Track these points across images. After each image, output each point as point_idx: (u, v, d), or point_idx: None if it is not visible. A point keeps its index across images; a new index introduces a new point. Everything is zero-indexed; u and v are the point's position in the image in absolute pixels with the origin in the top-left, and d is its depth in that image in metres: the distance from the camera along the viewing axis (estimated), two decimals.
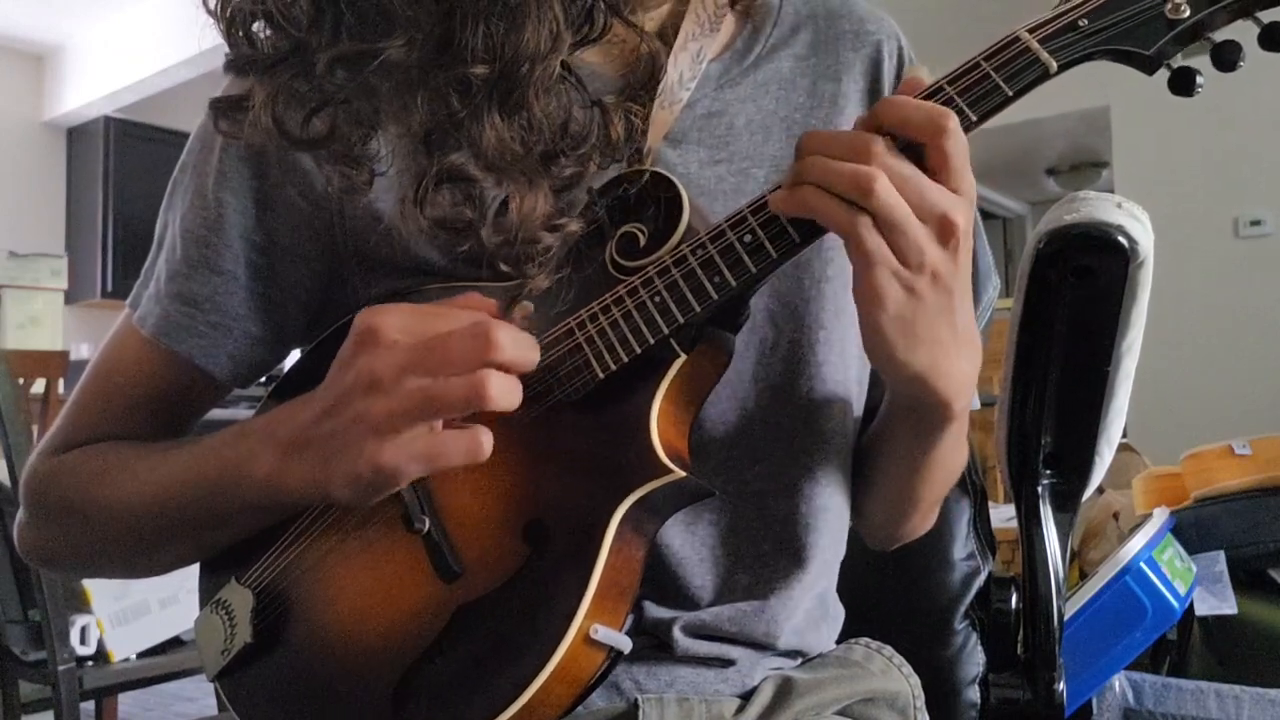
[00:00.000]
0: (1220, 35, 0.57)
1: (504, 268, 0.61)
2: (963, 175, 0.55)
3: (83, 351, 4.53)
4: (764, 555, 0.69)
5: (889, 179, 0.54)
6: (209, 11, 0.63)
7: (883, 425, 0.73)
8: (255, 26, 0.62)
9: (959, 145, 0.55)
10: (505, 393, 0.53)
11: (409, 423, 0.53)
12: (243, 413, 3.19)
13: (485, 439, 0.53)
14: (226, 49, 0.64)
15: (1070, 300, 0.94)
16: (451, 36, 0.59)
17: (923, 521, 0.77)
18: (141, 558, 0.72)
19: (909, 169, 0.54)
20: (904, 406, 0.67)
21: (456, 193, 0.60)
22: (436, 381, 0.52)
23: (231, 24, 0.62)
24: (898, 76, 0.77)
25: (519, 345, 0.54)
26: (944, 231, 0.55)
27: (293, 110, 0.61)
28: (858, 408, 0.75)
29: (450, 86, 0.59)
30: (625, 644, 0.58)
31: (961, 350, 0.59)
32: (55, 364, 2.40)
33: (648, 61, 0.68)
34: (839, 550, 0.76)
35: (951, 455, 0.70)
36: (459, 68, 0.58)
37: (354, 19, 0.60)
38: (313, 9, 0.61)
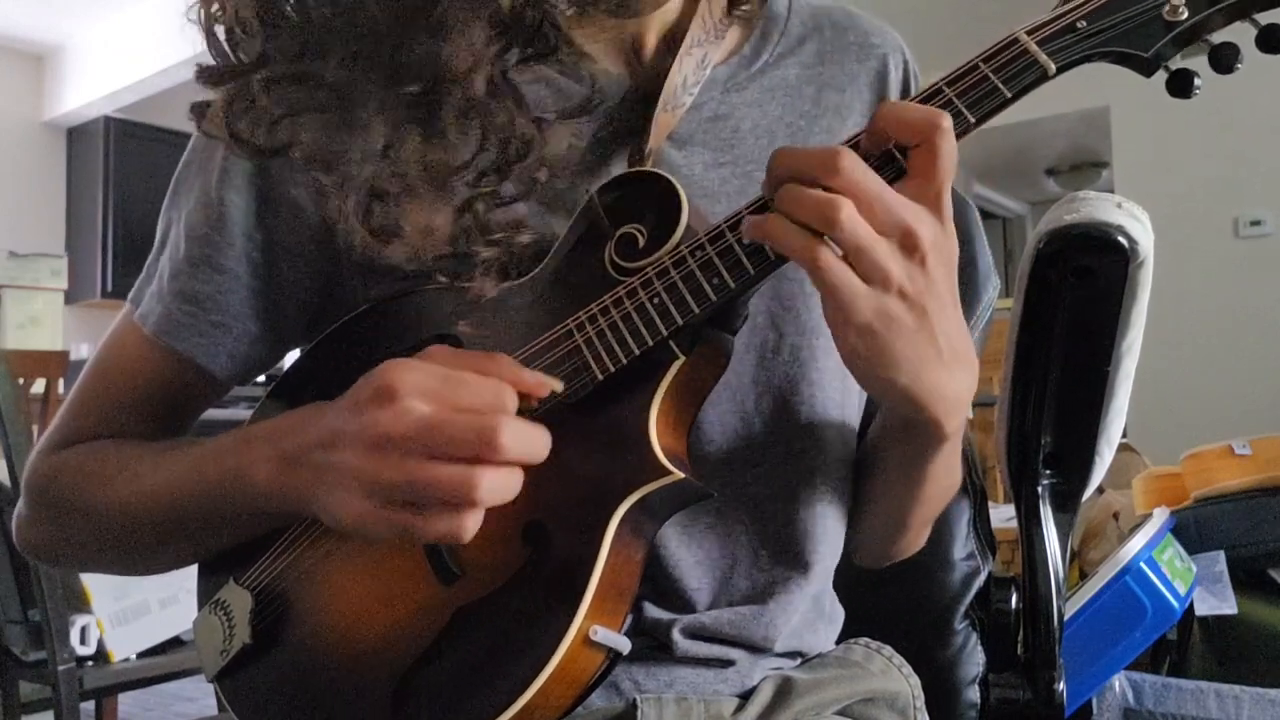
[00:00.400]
0: (1218, 37, 0.57)
1: (440, 278, 0.62)
2: (944, 179, 0.55)
3: (83, 351, 4.53)
4: (762, 560, 0.69)
5: (855, 202, 0.53)
6: (200, 20, 0.64)
7: (874, 444, 0.73)
8: (229, 35, 0.63)
9: (949, 146, 0.54)
10: (498, 490, 0.52)
11: (393, 494, 0.53)
12: (241, 413, 3.19)
13: (470, 524, 0.53)
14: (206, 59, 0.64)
15: (1070, 300, 0.94)
16: (395, 55, 0.58)
17: (915, 540, 0.77)
18: (139, 557, 0.72)
19: (875, 186, 0.54)
20: (895, 426, 0.67)
21: (381, 207, 0.60)
22: (431, 467, 0.52)
23: (211, 31, 0.63)
24: (904, 91, 0.77)
25: (523, 444, 0.53)
26: (908, 246, 0.54)
27: (250, 120, 0.62)
28: (858, 412, 0.75)
29: (391, 104, 0.59)
30: (624, 645, 0.58)
31: (949, 367, 0.58)
32: (55, 364, 2.39)
33: (630, 90, 0.69)
34: (836, 555, 0.76)
35: (945, 474, 0.69)
36: (398, 85, 0.58)
37: (293, 40, 0.61)
38: (264, 26, 0.61)
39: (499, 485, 0.52)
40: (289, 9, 0.60)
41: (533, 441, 0.54)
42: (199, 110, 0.65)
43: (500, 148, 0.60)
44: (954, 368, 0.58)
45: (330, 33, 0.59)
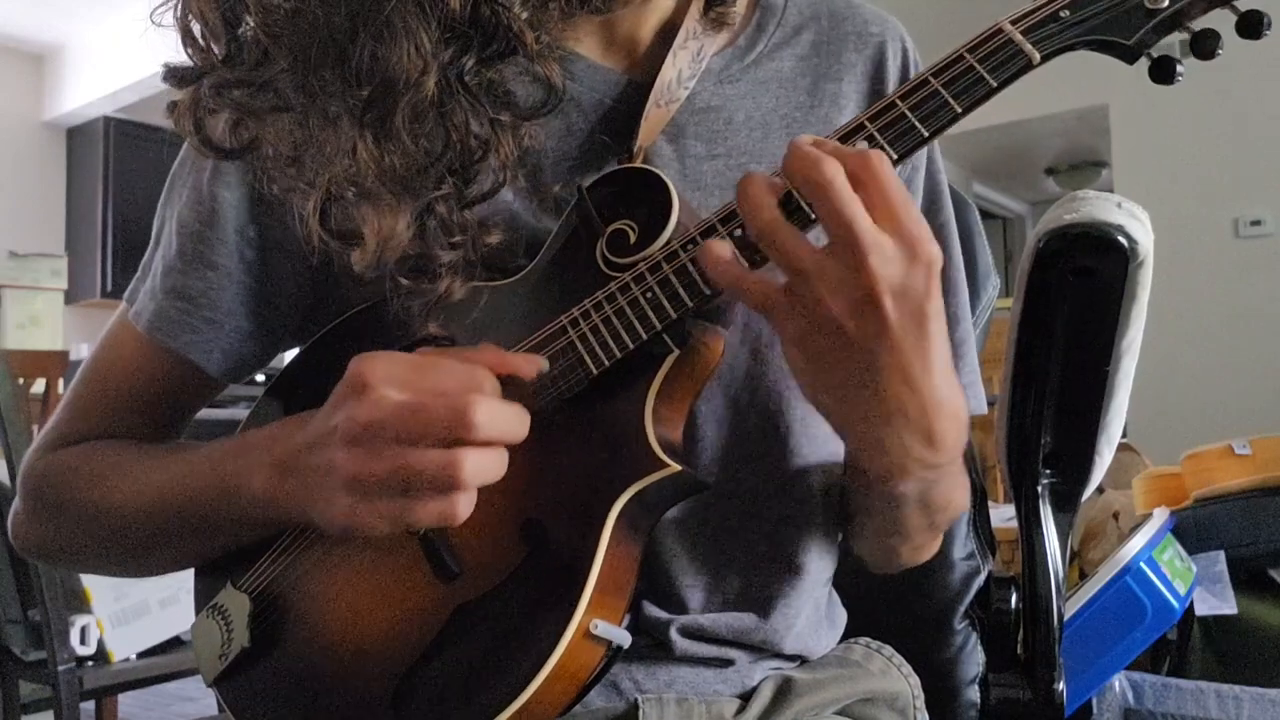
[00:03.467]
0: (1199, 24, 0.58)
1: (403, 281, 0.61)
2: (848, 217, 0.51)
3: (83, 351, 4.53)
4: (757, 557, 0.69)
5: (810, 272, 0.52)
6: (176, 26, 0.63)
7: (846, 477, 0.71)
8: (198, 37, 0.63)
9: (836, 191, 0.51)
10: (481, 470, 0.53)
11: (380, 485, 0.53)
12: (240, 412, 3.18)
13: (462, 504, 0.53)
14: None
15: (1070, 300, 0.94)
16: (343, 60, 0.58)
17: (914, 558, 0.73)
18: (133, 560, 0.73)
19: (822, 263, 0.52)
20: (850, 461, 0.65)
21: (346, 210, 0.60)
22: (413, 452, 0.52)
23: (185, 36, 0.63)
24: (902, 78, 0.76)
25: (499, 422, 0.53)
26: (861, 308, 0.52)
27: (213, 121, 0.62)
28: None
29: (342, 109, 0.59)
30: (625, 639, 0.58)
31: (892, 423, 0.54)
32: (55, 364, 2.39)
33: (623, 87, 0.68)
34: (833, 554, 0.75)
35: (920, 519, 0.65)
36: (349, 90, 0.58)
37: (253, 42, 0.60)
38: (225, 27, 0.60)
39: (483, 465, 0.53)
40: (247, 11, 0.60)
41: (508, 418, 0.54)
42: (171, 109, 0.65)
43: (458, 150, 0.60)
44: (904, 434, 0.55)
45: (281, 36, 0.59)
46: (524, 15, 0.60)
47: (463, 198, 0.61)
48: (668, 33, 0.70)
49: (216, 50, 0.61)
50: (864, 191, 0.51)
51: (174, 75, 0.63)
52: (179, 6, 0.61)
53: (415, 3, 0.56)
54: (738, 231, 0.57)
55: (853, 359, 0.53)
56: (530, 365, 0.57)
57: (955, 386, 0.56)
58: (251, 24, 0.60)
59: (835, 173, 0.51)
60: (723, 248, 0.55)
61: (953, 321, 0.75)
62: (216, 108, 0.62)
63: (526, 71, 0.65)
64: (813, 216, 0.54)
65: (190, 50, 0.62)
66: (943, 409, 0.55)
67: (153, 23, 0.63)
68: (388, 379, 0.54)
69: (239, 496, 0.61)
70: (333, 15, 0.57)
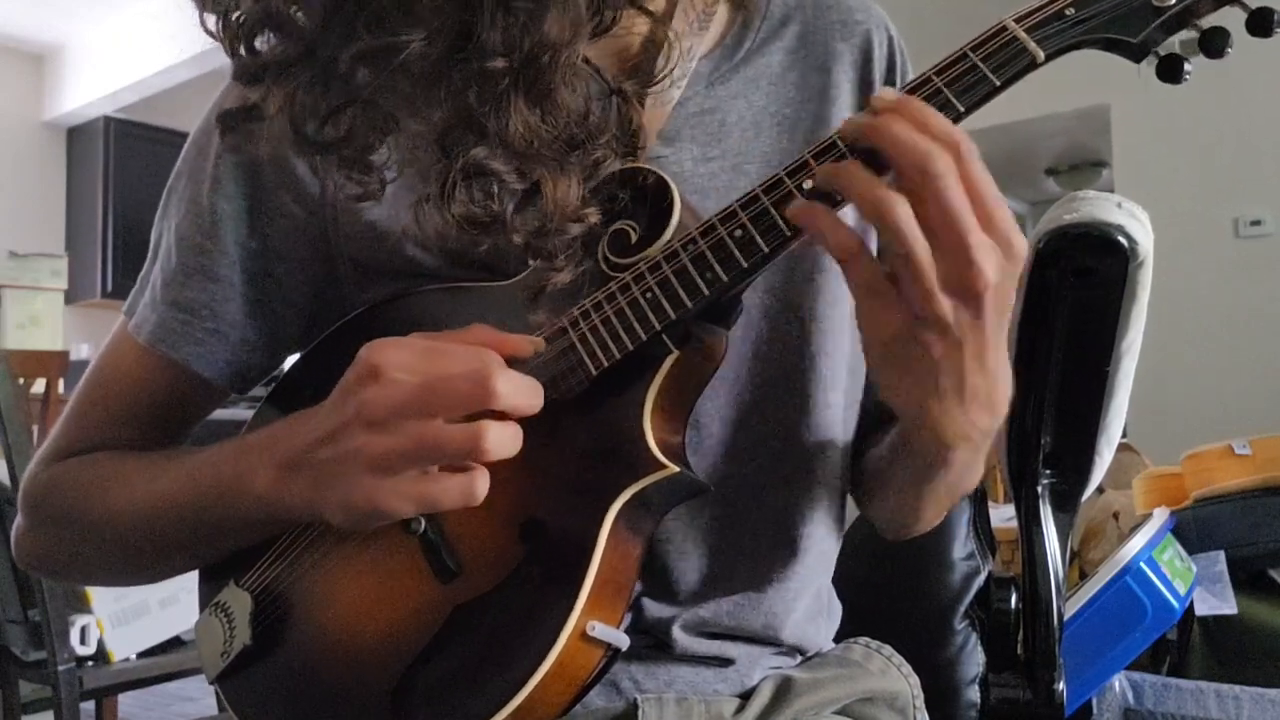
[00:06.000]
0: (1207, 22, 0.56)
1: (532, 261, 0.61)
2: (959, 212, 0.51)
3: (83, 351, 4.52)
4: (761, 548, 0.69)
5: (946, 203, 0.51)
6: (208, 33, 0.62)
7: (887, 447, 0.72)
8: (259, 39, 0.62)
9: (949, 183, 0.51)
10: (503, 442, 0.53)
11: (405, 464, 0.53)
12: (243, 413, 3.17)
13: (481, 483, 0.53)
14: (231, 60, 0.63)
15: (1070, 300, 0.94)
16: (471, 29, 0.58)
17: (929, 523, 0.75)
18: (137, 569, 0.73)
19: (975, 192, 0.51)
20: (903, 432, 0.66)
21: (476, 190, 0.59)
22: (435, 426, 0.52)
23: (235, 39, 0.62)
24: (889, 67, 0.76)
25: (520, 392, 0.54)
26: (969, 285, 0.51)
27: (309, 114, 0.61)
28: (852, 398, 0.74)
29: (471, 80, 0.59)
30: (623, 641, 0.58)
31: (965, 406, 0.56)
32: (55, 364, 2.39)
33: (650, 49, 0.68)
34: (835, 543, 0.76)
35: (957, 484, 0.67)
36: (480, 61, 0.58)
37: (370, 17, 0.60)
38: (323, 10, 0.60)
39: (505, 437, 0.53)
40: None
41: (527, 388, 0.54)
42: (238, 116, 0.63)
43: (580, 120, 0.60)
44: (971, 408, 0.56)
45: (403, 11, 0.59)
46: None
47: (585, 169, 0.61)
48: (657, 34, 0.70)
49: (303, 38, 0.60)
50: (966, 183, 0.51)
51: (252, 71, 0.62)
52: (244, 7, 0.60)
53: None
54: (738, 232, 0.57)
55: (946, 350, 0.53)
56: (525, 347, 0.58)
57: (1007, 359, 0.58)
58: (350, 5, 0.59)
59: (949, 168, 0.50)
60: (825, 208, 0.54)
61: None
62: (316, 97, 0.60)
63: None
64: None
65: (279, 38, 0.61)
66: (1000, 383, 0.57)
67: (206, 33, 0.62)
68: (400, 364, 0.54)
69: (240, 499, 0.61)
70: None
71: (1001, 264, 0.51)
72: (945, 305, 0.51)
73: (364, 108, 0.61)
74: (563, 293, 0.60)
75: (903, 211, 0.51)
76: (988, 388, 0.56)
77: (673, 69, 0.67)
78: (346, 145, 0.61)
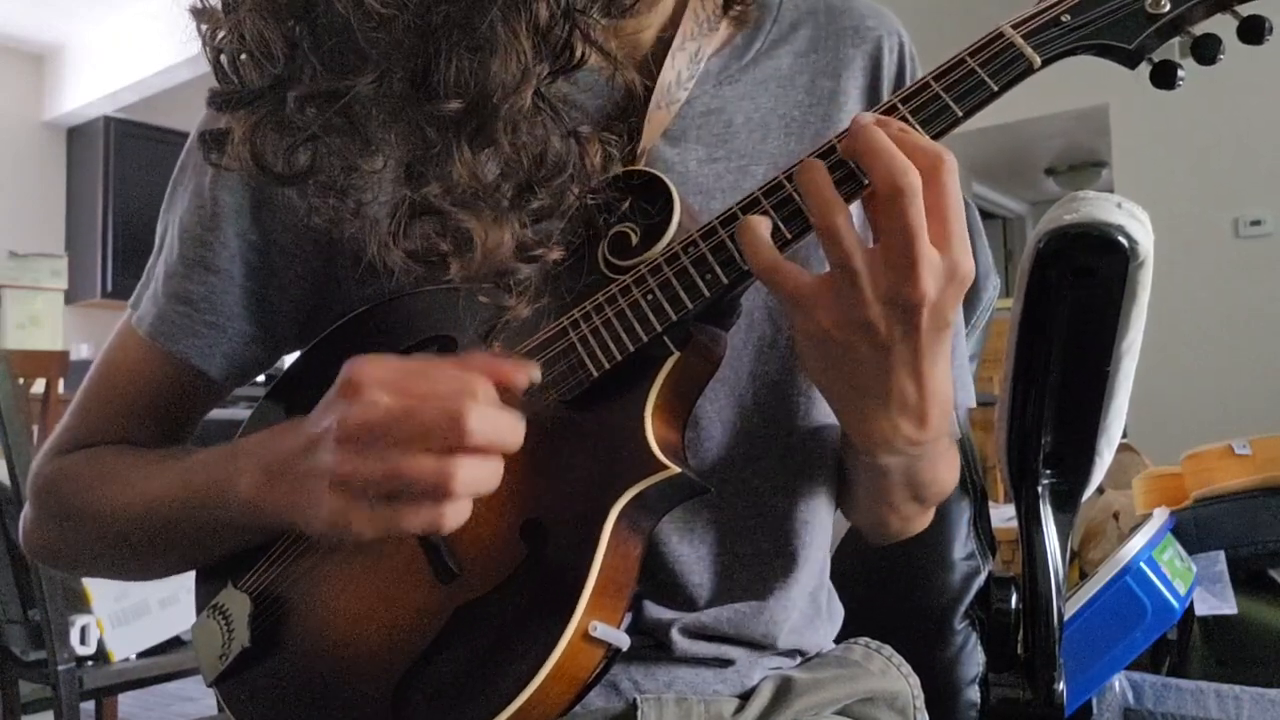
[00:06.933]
0: (1200, 29, 0.58)
1: (482, 299, 0.60)
2: (913, 234, 0.52)
3: (83, 351, 4.52)
4: (762, 554, 0.69)
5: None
6: (205, 45, 0.61)
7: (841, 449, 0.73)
8: (241, 59, 0.61)
9: (916, 208, 0.53)
10: (477, 480, 0.52)
11: (371, 489, 0.52)
12: (242, 412, 3.18)
13: (451, 515, 0.52)
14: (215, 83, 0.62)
15: (1070, 300, 0.94)
16: (426, 72, 0.57)
17: (902, 529, 0.75)
18: (133, 565, 0.73)
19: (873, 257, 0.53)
20: (842, 431, 0.66)
21: (430, 226, 0.58)
22: (405, 458, 0.51)
23: (218, 57, 0.61)
24: (898, 73, 0.76)
25: (496, 430, 0.52)
26: (904, 300, 0.53)
27: (272, 145, 0.60)
28: None
29: (424, 121, 0.57)
30: (624, 641, 0.58)
31: (889, 411, 0.58)
32: (55, 364, 2.39)
33: (623, 92, 0.68)
34: (829, 547, 0.76)
35: (911, 492, 0.68)
36: (433, 103, 0.57)
37: (325, 57, 0.58)
38: (286, 46, 0.59)
39: (476, 476, 0.52)
40: (317, 29, 0.58)
41: (503, 425, 0.53)
42: (214, 140, 0.63)
43: (535, 163, 0.59)
44: (896, 414, 0.58)
45: (358, 52, 0.57)
46: (602, 23, 0.60)
47: (536, 212, 0.60)
48: (667, 35, 0.70)
49: (269, 71, 0.59)
50: (929, 196, 0.52)
51: (220, 99, 0.61)
52: (225, 30, 0.59)
53: (512, 12, 0.55)
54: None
55: (872, 353, 0.55)
56: (520, 373, 0.56)
57: (949, 378, 0.59)
58: (319, 41, 0.58)
59: (918, 188, 0.52)
60: (764, 225, 0.56)
61: None
62: (282, 129, 0.59)
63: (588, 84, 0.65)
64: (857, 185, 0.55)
65: (245, 69, 0.60)
66: (936, 398, 0.58)
67: (202, 44, 0.61)
68: (380, 382, 0.53)
69: (228, 502, 0.61)
70: (414, 28, 0.56)
71: (944, 283, 0.53)
72: (875, 311, 0.54)
73: (326, 142, 0.60)
74: (523, 326, 0.60)
75: (840, 221, 0.53)
76: (918, 398, 0.57)
77: (637, 111, 0.67)
78: (311, 176, 0.61)
